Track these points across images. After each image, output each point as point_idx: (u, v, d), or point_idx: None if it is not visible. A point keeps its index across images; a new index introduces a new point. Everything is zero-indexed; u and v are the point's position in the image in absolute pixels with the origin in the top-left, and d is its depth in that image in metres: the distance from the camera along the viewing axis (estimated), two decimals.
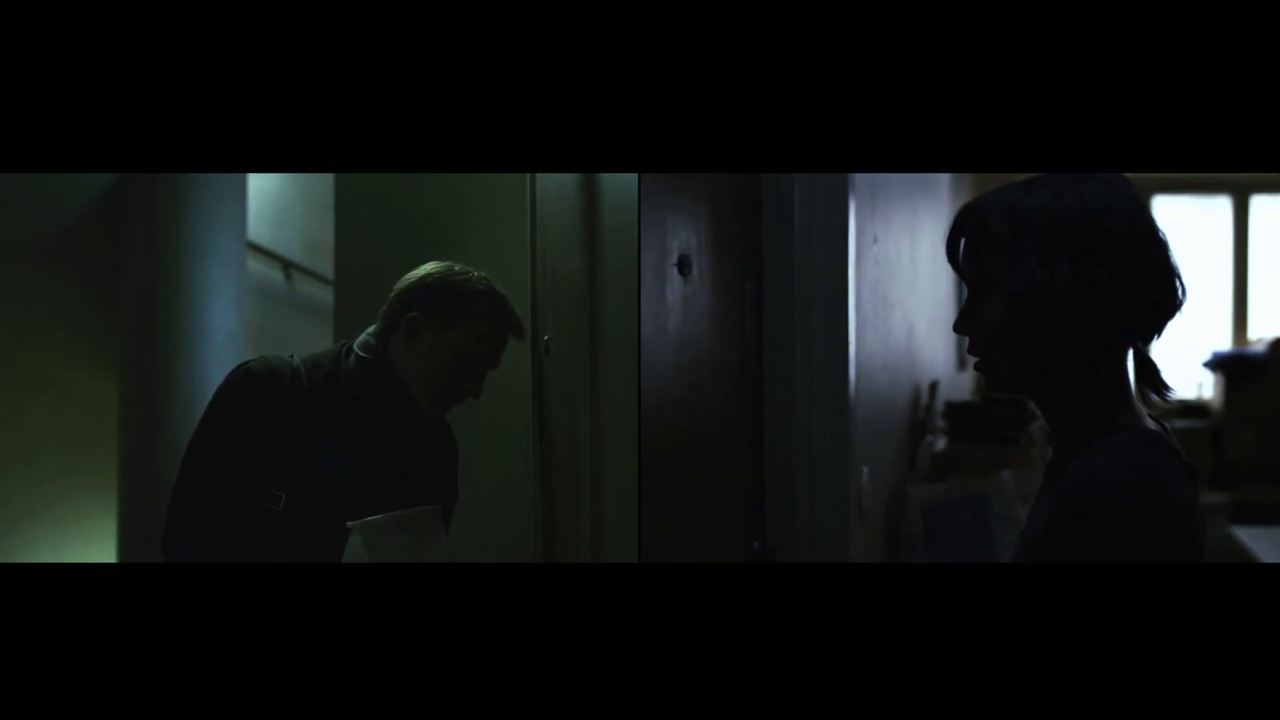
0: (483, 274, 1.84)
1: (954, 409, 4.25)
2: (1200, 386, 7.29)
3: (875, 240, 2.99)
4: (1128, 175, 1.32)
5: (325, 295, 3.88)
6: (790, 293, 2.44)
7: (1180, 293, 1.25)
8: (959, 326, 1.30)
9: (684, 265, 1.91)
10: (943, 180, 4.99)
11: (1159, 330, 1.27)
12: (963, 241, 1.31)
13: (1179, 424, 6.80)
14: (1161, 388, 1.28)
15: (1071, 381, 1.23)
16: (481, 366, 1.81)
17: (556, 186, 2.16)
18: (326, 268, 3.23)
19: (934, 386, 4.26)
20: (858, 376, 2.57)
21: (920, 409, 4.00)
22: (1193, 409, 7.15)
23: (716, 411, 2.17)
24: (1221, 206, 7.62)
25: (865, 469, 2.69)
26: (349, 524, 1.69)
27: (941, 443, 4.10)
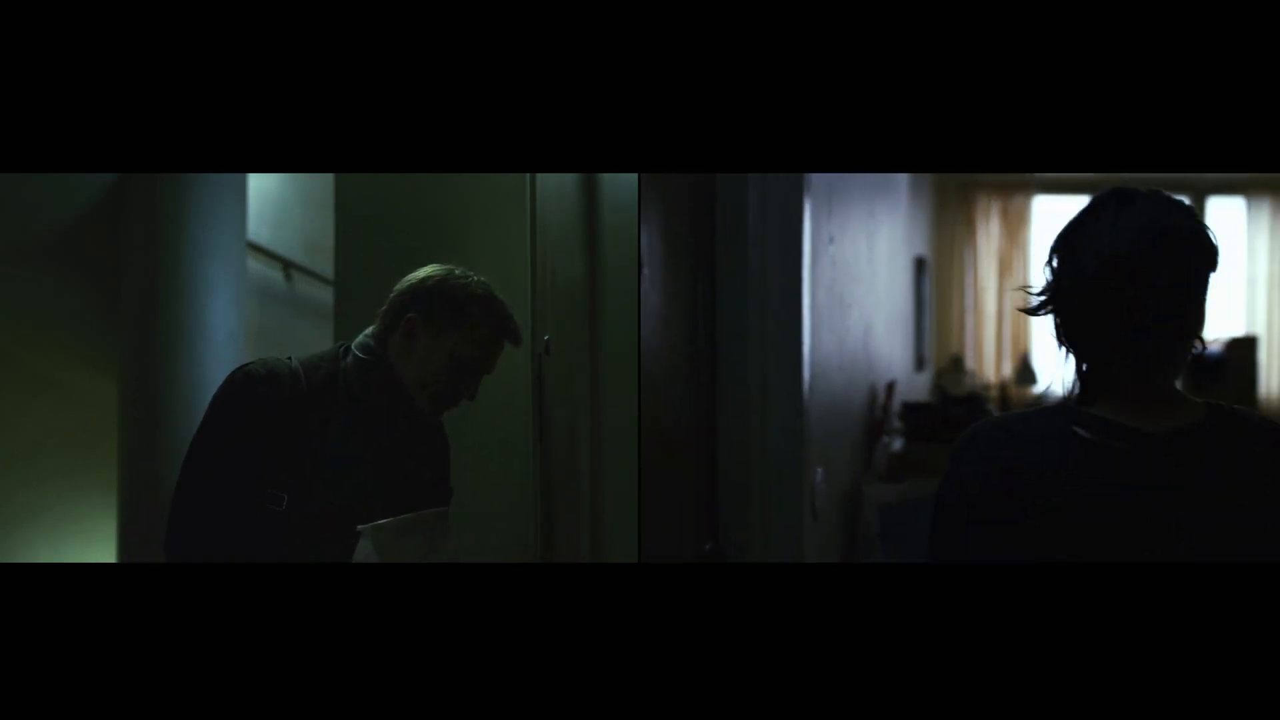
0: (482, 279, 1.84)
1: (911, 409, 4.24)
2: None
3: (831, 240, 2.98)
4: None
5: (325, 295, 3.88)
6: (743, 292, 2.43)
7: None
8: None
9: (638, 264, 1.92)
10: (901, 181, 4.99)
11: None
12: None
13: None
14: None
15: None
16: (478, 370, 1.81)
17: (556, 186, 2.16)
18: (326, 268, 3.24)
19: (891, 387, 4.25)
20: (812, 377, 2.56)
21: (877, 409, 3.98)
22: None
23: (668, 412, 2.16)
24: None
25: (820, 470, 2.68)
26: (359, 528, 1.69)
27: (899, 443, 4.09)
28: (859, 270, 3.65)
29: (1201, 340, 1.35)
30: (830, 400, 3.00)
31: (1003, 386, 7.40)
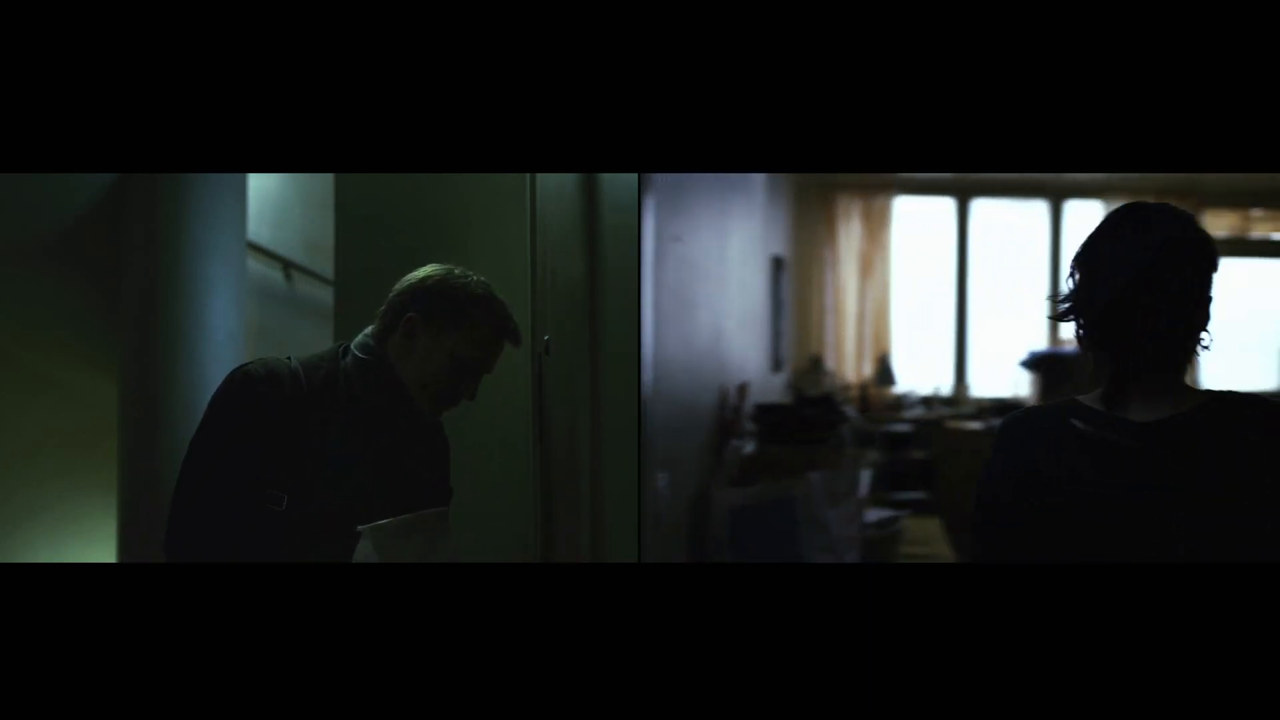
0: (482, 279, 1.84)
1: (764, 411, 4.16)
2: (1016, 385, 7.38)
3: (679, 240, 2.93)
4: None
5: (325, 295, 3.88)
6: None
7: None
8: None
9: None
10: (757, 180, 4.91)
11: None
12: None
13: (996, 422, 6.74)
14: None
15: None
16: (477, 370, 1.81)
17: (556, 186, 2.16)
18: (326, 268, 3.23)
19: (743, 388, 4.17)
20: (655, 379, 2.51)
21: (728, 410, 3.90)
22: (1009, 408, 7.15)
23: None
24: (1039, 210, 7.72)
25: (663, 474, 2.63)
26: (359, 528, 1.69)
27: (750, 445, 4.00)
28: (709, 270, 3.58)
29: (1208, 333, 1.46)
30: (675, 403, 2.95)
31: (863, 387, 7.36)
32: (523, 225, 2.18)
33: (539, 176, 2.18)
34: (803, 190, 7.24)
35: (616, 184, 1.93)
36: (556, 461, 2.12)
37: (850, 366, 7.53)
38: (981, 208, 7.74)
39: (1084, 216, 7.71)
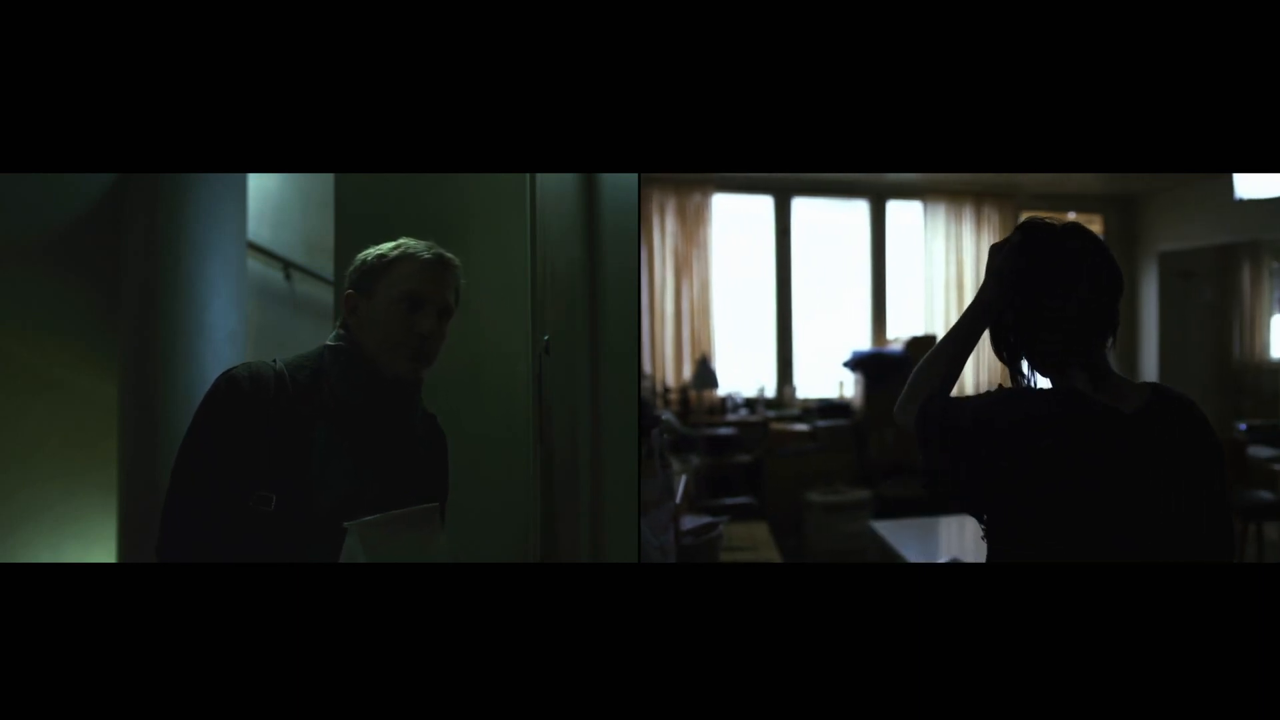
0: (400, 240, 1.86)
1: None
2: (841, 385, 7.40)
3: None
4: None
5: (325, 295, 3.88)
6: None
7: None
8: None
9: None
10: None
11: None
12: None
13: (821, 424, 6.82)
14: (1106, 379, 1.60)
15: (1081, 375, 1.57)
16: (421, 301, 1.81)
17: (556, 186, 2.16)
18: (326, 268, 3.24)
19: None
20: None
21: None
22: (835, 408, 7.21)
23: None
24: (859, 209, 7.70)
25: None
26: (346, 525, 1.69)
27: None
28: None
29: (1114, 337, 1.59)
30: None
31: (683, 389, 7.18)
32: (523, 225, 2.18)
33: (539, 176, 2.18)
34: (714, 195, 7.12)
35: (616, 184, 1.93)
36: (556, 461, 2.12)
37: (670, 369, 7.25)
38: (801, 206, 7.62)
39: (904, 216, 7.69)
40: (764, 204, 7.60)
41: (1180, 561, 1.31)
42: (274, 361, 1.81)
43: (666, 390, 7.12)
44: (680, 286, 7.31)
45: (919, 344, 6.72)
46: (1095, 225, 8.28)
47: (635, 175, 1.72)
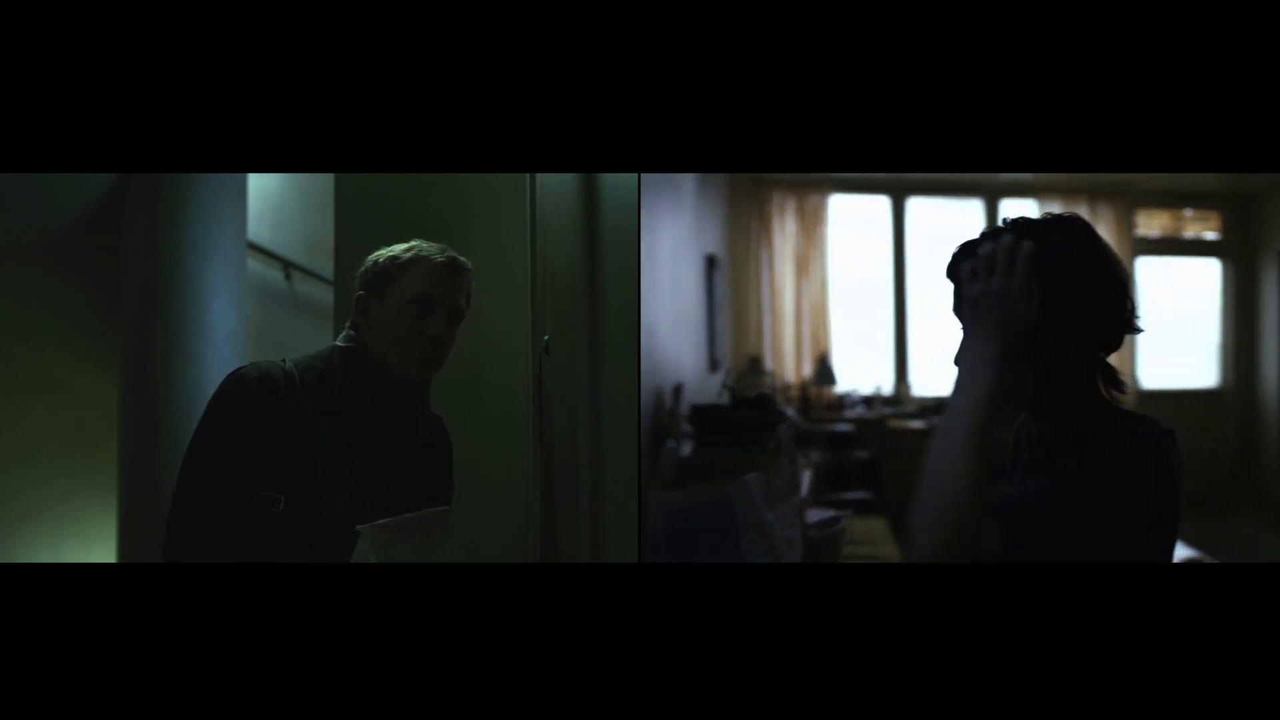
0: (413, 243, 1.86)
1: (699, 412, 4.05)
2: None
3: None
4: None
5: (325, 295, 3.87)
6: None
7: (1131, 306, 1.43)
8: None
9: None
10: (686, 178, 4.81)
11: (1120, 341, 1.46)
12: (955, 289, 1.48)
13: (937, 421, 6.69)
14: (1120, 386, 1.47)
15: (1063, 391, 1.43)
16: (431, 304, 1.81)
17: (556, 186, 2.16)
18: (326, 268, 3.23)
19: (678, 389, 4.13)
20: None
21: (663, 412, 3.84)
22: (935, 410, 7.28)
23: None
24: (974, 209, 7.72)
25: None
26: (358, 528, 1.69)
27: (686, 447, 3.92)
28: (643, 269, 3.51)
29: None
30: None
31: (803, 387, 7.30)
32: (523, 225, 2.18)
33: (539, 176, 2.18)
34: (735, 188, 7.11)
35: (616, 184, 1.93)
36: (556, 461, 2.12)
37: (789, 366, 7.43)
38: (917, 206, 7.69)
39: (1017, 215, 7.59)
40: (880, 204, 7.70)
41: (1181, 561, 1.31)
42: (283, 361, 1.81)
43: (786, 387, 7.22)
44: (799, 285, 7.50)
45: None
46: (1212, 223, 8.19)
47: (635, 175, 1.72)
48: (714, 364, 5.57)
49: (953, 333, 1.48)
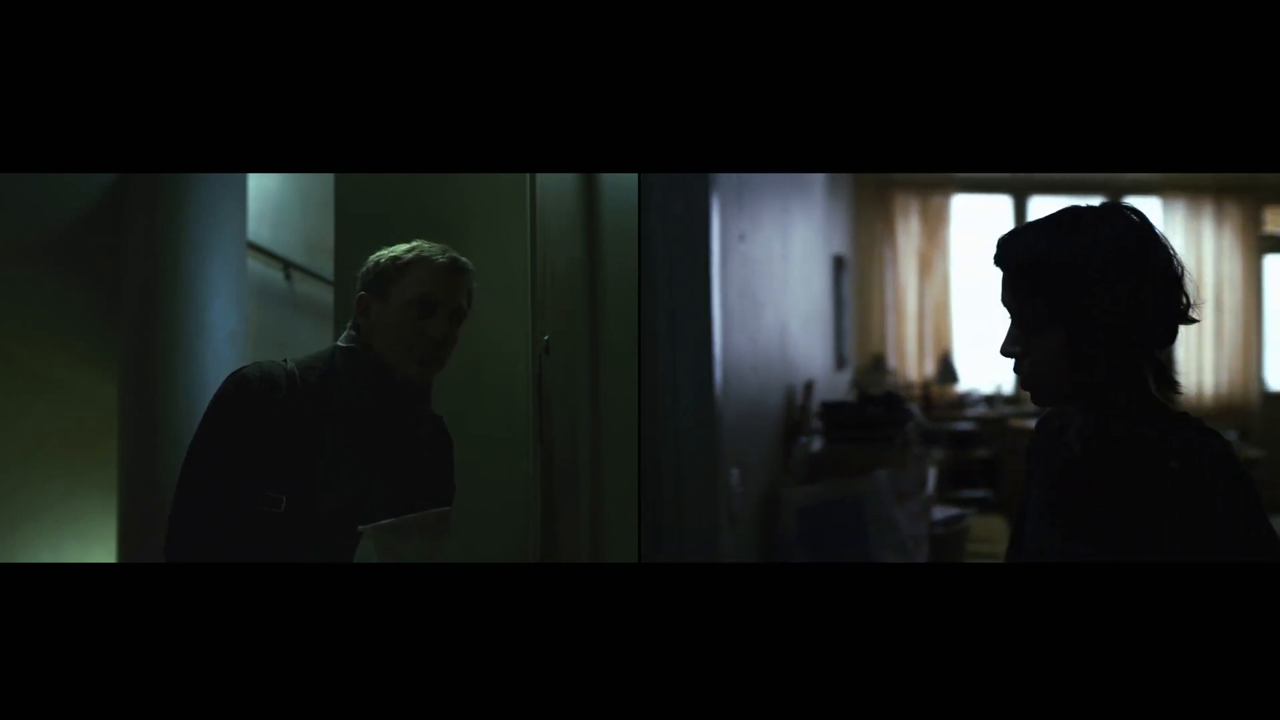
0: (414, 243, 1.86)
1: (829, 409, 4.16)
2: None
3: (742, 238, 2.93)
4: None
5: (325, 295, 3.87)
6: (651, 291, 2.39)
7: (1188, 302, 1.41)
8: (1011, 353, 1.45)
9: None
10: (817, 178, 4.89)
11: (1173, 337, 1.43)
12: (1005, 278, 1.45)
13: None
14: (1173, 384, 1.44)
15: (1106, 387, 1.40)
16: (433, 305, 1.80)
17: (556, 186, 2.16)
18: (326, 268, 3.23)
19: (809, 386, 4.18)
20: (724, 377, 2.50)
21: (795, 409, 3.90)
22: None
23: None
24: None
25: (735, 471, 2.63)
26: (361, 528, 1.69)
27: (817, 443, 4.00)
28: (773, 268, 3.56)
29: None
30: (745, 401, 2.95)
31: (925, 385, 7.39)
32: (523, 225, 2.18)
33: (539, 176, 2.17)
34: (862, 189, 7.27)
35: (616, 184, 1.93)
36: (556, 461, 2.12)
37: (912, 365, 7.57)
38: (1039, 206, 7.70)
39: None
40: (1003, 204, 7.73)
41: (1184, 561, 1.30)
42: (284, 361, 1.81)
43: (909, 385, 7.29)
44: (922, 285, 7.60)
45: None
46: None
47: (635, 175, 1.72)
48: (840, 362, 5.66)
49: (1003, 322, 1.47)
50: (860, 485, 3.26)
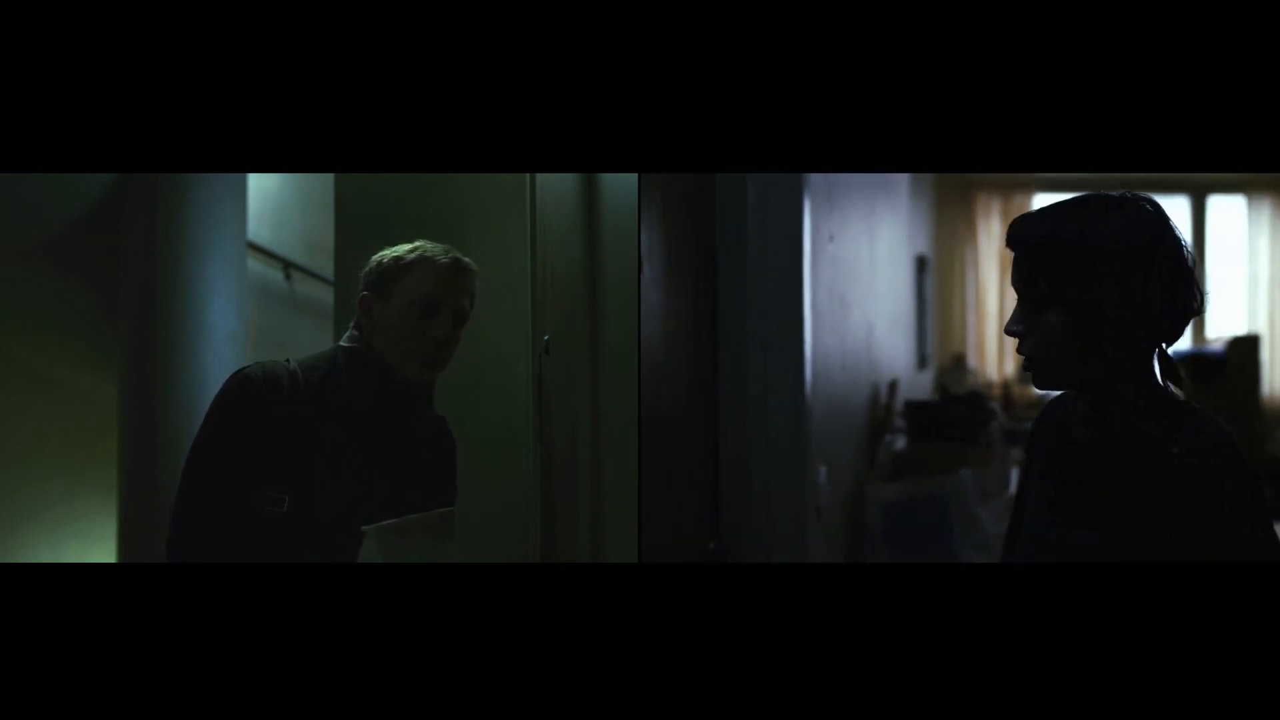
0: (417, 243, 1.85)
1: (914, 408, 4.23)
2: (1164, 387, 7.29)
3: (831, 239, 2.97)
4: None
5: (325, 295, 3.87)
6: (744, 291, 2.43)
7: (1199, 297, 1.40)
8: (1014, 331, 1.43)
9: (638, 264, 1.92)
10: (901, 179, 4.98)
11: (1181, 330, 1.42)
12: (1015, 258, 1.44)
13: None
14: (1178, 379, 1.44)
15: (1111, 377, 1.39)
16: (436, 305, 1.80)
17: (556, 186, 2.16)
18: (326, 268, 3.23)
19: (894, 385, 4.24)
20: (814, 376, 2.55)
21: (880, 408, 3.97)
22: None
23: (670, 411, 2.15)
24: (1180, 206, 7.62)
25: (823, 468, 2.67)
26: (364, 529, 1.69)
27: (901, 441, 4.06)
28: (859, 269, 3.63)
29: None
30: (832, 399, 3.00)
31: (1005, 385, 7.43)
32: (523, 225, 2.18)
33: (539, 176, 2.17)
34: (944, 190, 7.31)
35: (616, 184, 1.93)
36: (556, 461, 2.12)
37: (992, 365, 7.61)
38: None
39: (1226, 211, 7.58)
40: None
41: (1185, 562, 1.30)
42: (287, 361, 1.81)
43: (989, 385, 7.31)
44: (1003, 285, 7.57)
45: (1240, 344, 6.69)
46: None
47: (635, 175, 1.71)
48: (923, 362, 5.70)
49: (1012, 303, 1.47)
50: (945, 484, 3.30)
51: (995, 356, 7.62)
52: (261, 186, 4.19)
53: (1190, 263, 1.39)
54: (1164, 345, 1.42)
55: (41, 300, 3.94)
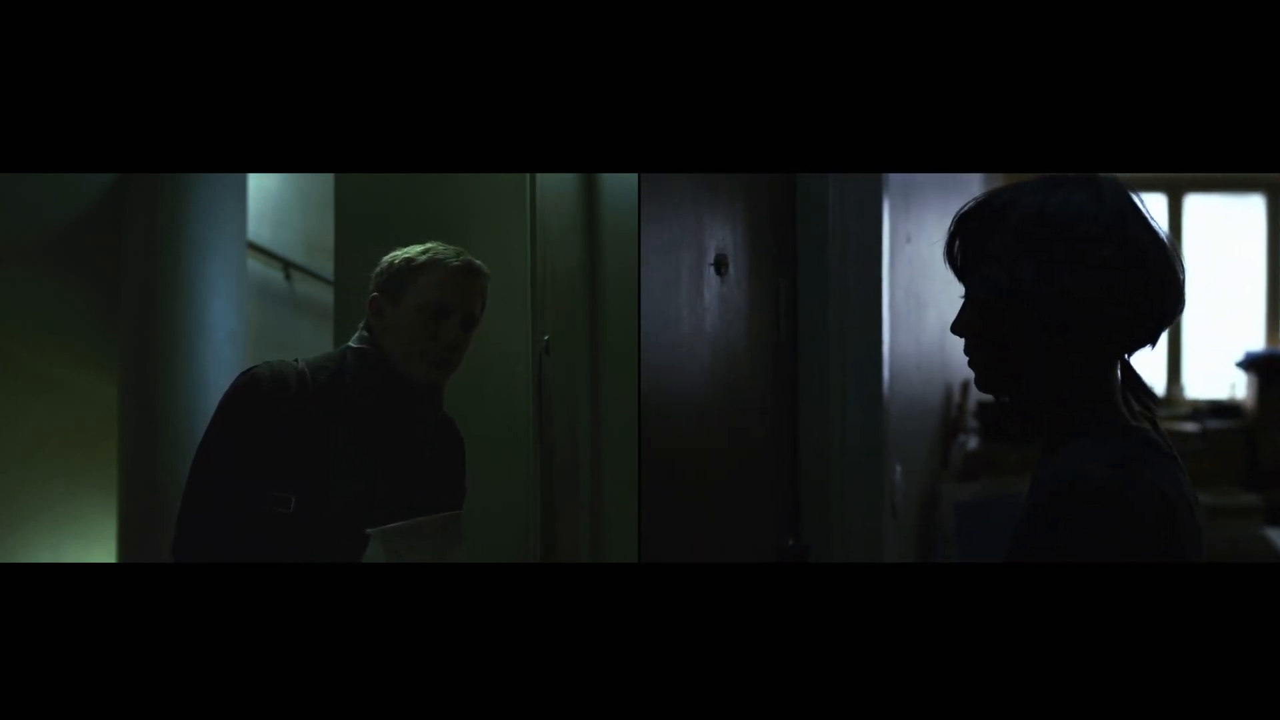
0: (429, 245, 1.85)
1: (986, 408, 4.24)
2: (1233, 387, 7.19)
3: (909, 240, 2.99)
4: (1117, 176, 1.29)
5: (325, 295, 3.87)
6: (824, 291, 2.46)
7: (1168, 301, 1.23)
8: (952, 327, 1.34)
9: (721, 264, 1.94)
10: (974, 179, 4.98)
11: (1144, 338, 1.25)
12: (956, 242, 1.33)
13: (1211, 424, 6.77)
14: (1144, 395, 1.28)
15: (1044, 385, 1.24)
16: (447, 309, 1.80)
17: (556, 186, 2.16)
18: (326, 268, 3.24)
19: (966, 386, 4.26)
20: (891, 375, 2.58)
21: (953, 408, 4.00)
22: (1225, 410, 7.04)
23: (751, 409, 2.18)
24: (1255, 205, 7.55)
25: (898, 467, 2.70)
26: (369, 531, 1.69)
27: (974, 442, 4.08)
28: (935, 269, 3.62)
29: None
30: (908, 399, 3.02)
31: None
32: (523, 225, 2.18)
33: (539, 176, 2.17)
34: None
35: (616, 184, 1.93)
36: (556, 461, 2.12)
37: None
38: (1195, 204, 7.51)
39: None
40: (1156, 202, 7.58)
41: (1185, 563, 1.30)
42: (295, 361, 1.81)
43: None
44: None
45: None
46: None
47: (635, 175, 1.71)
48: None
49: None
50: (1018, 484, 3.32)
51: None
52: (261, 186, 4.19)
53: (1167, 258, 1.21)
54: (1126, 355, 1.26)
55: (41, 300, 3.94)
